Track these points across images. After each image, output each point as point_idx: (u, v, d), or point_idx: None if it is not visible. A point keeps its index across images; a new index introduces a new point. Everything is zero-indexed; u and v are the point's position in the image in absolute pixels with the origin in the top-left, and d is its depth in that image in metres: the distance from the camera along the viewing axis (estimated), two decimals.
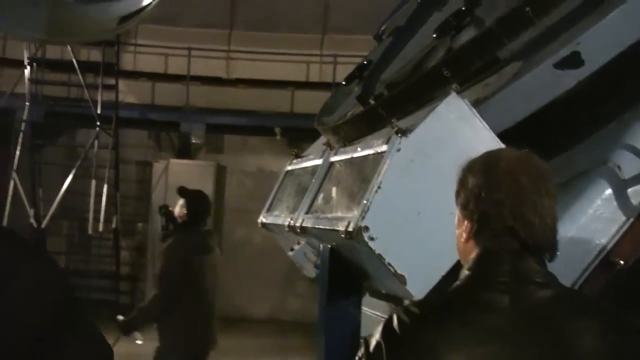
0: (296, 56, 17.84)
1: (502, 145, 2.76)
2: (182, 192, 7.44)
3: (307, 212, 3.60)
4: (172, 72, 18.12)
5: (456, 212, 2.27)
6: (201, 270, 7.10)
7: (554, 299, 2.14)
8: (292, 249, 4.00)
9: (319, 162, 3.88)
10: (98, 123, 15.75)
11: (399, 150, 2.84)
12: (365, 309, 3.55)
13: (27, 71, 15.84)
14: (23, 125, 15.85)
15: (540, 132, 2.99)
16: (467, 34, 3.40)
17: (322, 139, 4.25)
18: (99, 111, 15.84)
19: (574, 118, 3.09)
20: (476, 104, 2.93)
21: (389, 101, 3.43)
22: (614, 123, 3.04)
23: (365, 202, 2.83)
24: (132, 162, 18.27)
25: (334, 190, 3.47)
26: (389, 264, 2.77)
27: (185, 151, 18.00)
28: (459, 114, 2.87)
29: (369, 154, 3.13)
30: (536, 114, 2.94)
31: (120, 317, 7.24)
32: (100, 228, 15.71)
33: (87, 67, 16.45)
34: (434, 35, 3.62)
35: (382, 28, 4.99)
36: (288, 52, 17.70)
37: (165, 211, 7.54)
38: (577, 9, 2.94)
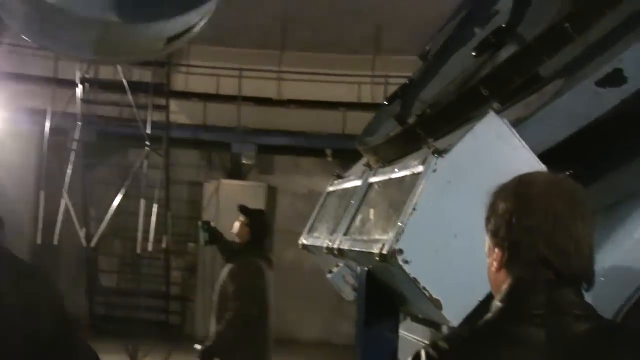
0: (348, 77, 17.83)
1: (543, 167, 2.68)
2: (245, 210, 7.36)
3: (345, 234, 3.56)
4: (223, 93, 18.19)
5: (486, 240, 2.16)
6: (267, 293, 7.08)
7: (593, 332, 2.02)
8: (330, 272, 3.94)
9: (358, 183, 3.84)
10: (147, 143, 15.86)
11: (435, 171, 2.77)
12: (405, 333, 3.48)
13: (79, 91, 16.05)
14: (75, 144, 16.04)
15: (584, 153, 2.90)
16: (507, 52, 3.32)
17: (364, 160, 4.21)
18: (148, 131, 15.95)
19: (619, 138, 2.98)
20: (516, 123, 2.84)
21: (428, 121, 3.36)
22: None
23: (400, 224, 2.76)
24: (183, 182, 18.37)
25: (371, 212, 3.42)
26: (424, 288, 2.70)
27: (236, 172, 18.06)
28: (498, 134, 2.80)
29: (405, 175, 3.08)
30: (579, 134, 2.85)
31: (198, 346, 7.17)
32: (150, 248, 15.80)
33: (138, 87, 16.63)
34: (473, 54, 3.55)
35: (428, 47, 4.92)
36: (339, 73, 17.69)
37: (208, 227, 7.51)
38: (619, 26, 2.85)
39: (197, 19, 7.03)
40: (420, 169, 2.87)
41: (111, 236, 17.08)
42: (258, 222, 7.32)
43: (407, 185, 2.99)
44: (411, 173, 3.00)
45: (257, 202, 15.21)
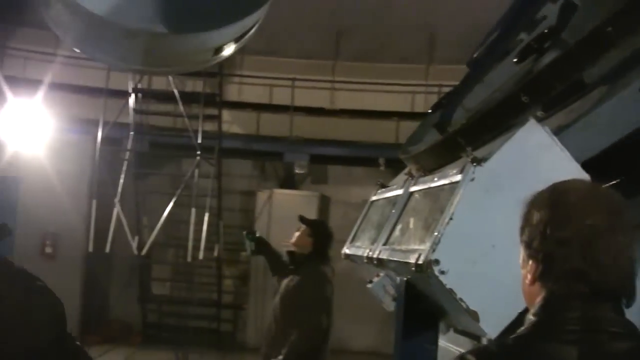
0: (401, 86, 17.73)
1: (586, 175, 2.60)
2: (306, 221, 7.29)
3: (384, 244, 3.51)
4: (276, 103, 18.24)
5: (520, 251, 2.08)
6: (332, 302, 7.04)
7: (632, 351, 1.91)
8: (370, 281, 3.89)
9: (400, 192, 3.79)
10: (198, 152, 15.96)
11: (472, 179, 2.72)
12: (448, 344, 3.42)
13: (131, 101, 16.22)
14: (127, 154, 16.21)
15: (627, 163, 2.80)
16: (549, 58, 3.24)
17: (407, 169, 4.17)
18: (199, 141, 16.05)
19: None
20: (558, 131, 2.77)
21: (467, 129, 3.30)
22: None
23: (436, 234, 2.70)
24: (236, 192, 18.43)
25: (411, 221, 3.37)
26: (461, 300, 2.64)
27: (289, 181, 18.08)
28: (538, 142, 2.72)
29: (444, 184, 3.03)
30: (623, 143, 2.76)
31: None
32: (201, 256, 15.87)
33: (190, 97, 16.74)
34: (514, 60, 3.48)
35: (475, 55, 4.86)
36: (392, 83, 17.61)
37: (253, 236, 7.46)
38: None
39: (245, 29, 7.02)
40: (458, 177, 2.81)
41: (163, 244, 17.20)
42: (321, 232, 7.25)
43: (446, 194, 2.93)
44: (449, 182, 2.94)
45: (310, 212, 15.18)
